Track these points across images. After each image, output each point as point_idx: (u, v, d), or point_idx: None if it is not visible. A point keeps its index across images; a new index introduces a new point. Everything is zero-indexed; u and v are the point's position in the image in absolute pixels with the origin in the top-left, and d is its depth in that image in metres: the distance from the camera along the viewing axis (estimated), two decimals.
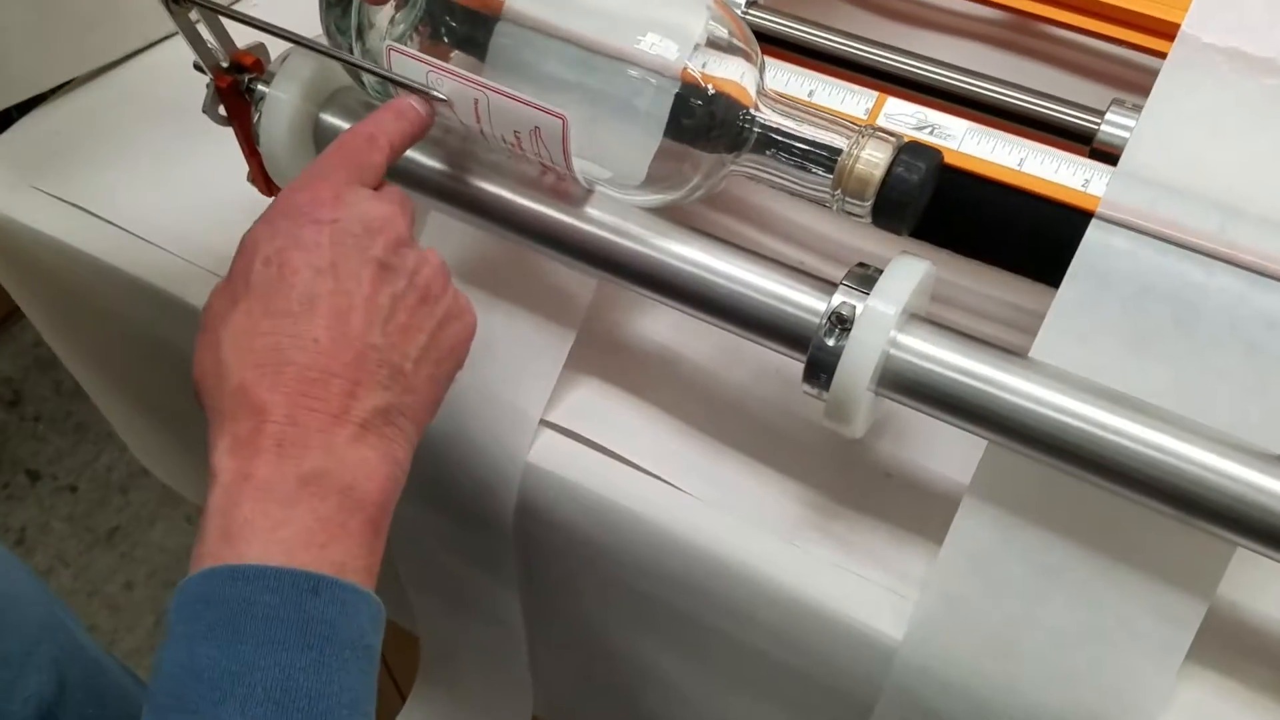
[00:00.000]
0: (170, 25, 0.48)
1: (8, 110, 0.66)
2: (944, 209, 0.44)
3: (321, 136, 0.50)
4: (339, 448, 0.34)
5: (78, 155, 0.63)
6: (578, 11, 0.45)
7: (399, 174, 0.47)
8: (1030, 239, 0.44)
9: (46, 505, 1.68)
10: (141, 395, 0.72)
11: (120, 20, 0.67)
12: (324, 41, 0.48)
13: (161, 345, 0.61)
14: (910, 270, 0.42)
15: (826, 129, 0.42)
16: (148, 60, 0.68)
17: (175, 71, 0.55)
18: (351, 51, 0.47)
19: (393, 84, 0.45)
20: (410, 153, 0.47)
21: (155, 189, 0.61)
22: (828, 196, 0.42)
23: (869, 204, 0.41)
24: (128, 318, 0.62)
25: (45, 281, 0.64)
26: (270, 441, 0.34)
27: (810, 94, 0.46)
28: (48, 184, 0.61)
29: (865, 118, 0.46)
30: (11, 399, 1.82)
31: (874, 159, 0.40)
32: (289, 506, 0.33)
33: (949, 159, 0.44)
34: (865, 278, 0.42)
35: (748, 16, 0.49)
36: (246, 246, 0.38)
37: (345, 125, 0.49)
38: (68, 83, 0.67)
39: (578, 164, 0.43)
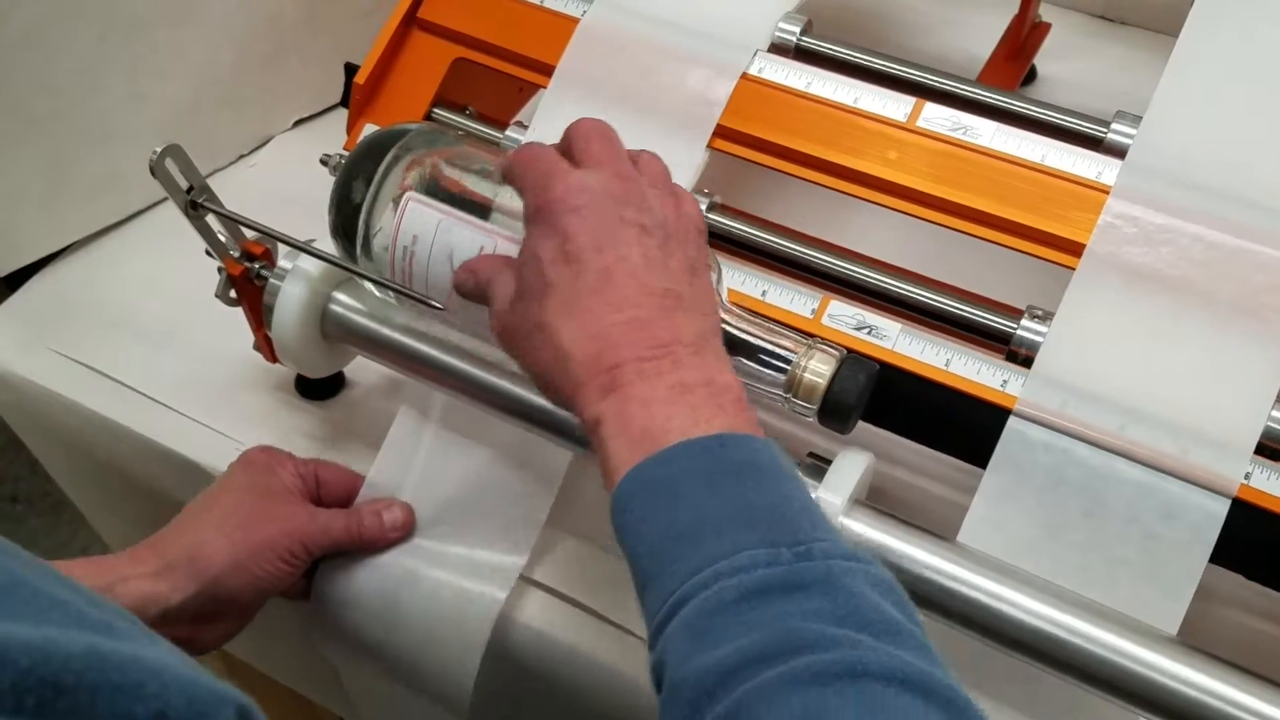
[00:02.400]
0: None
1: (18, 270, 0.70)
2: (883, 399, 0.49)
3: (329, 319, 0.55)
4: (685, 363, 0.39)
5: (87, 315, 0.68)
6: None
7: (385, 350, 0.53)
8: (958, 429, 0.50)
9: None
10: (139, 525, 0.76)
11: (124, 182, 0.72)
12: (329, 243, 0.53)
13: (164, 497, 0.65)
14: (854, 463, 0.47)
15: (779, 340, 0.47)
16: (152, 219, 0.73)
17: (178, 231, 0.58)
18: (356, 252, 0.52)
19: (391, 290, 0.50)
20: (401, 337, 0.53)
21: (162, 349, 0.66)
22: (779, 399, 0.48)
23: (815, 408, 0.46)
24: (134, 471, 0.66)
25: (57, 436, 0.68)
26: (632, 376, 0.39)
27: (764, 293, 0.52)
28: (59, 344, 0.66)
29: (811, 317, 0.51)
30: None
31: (820, 371, 0.46)
32: (669, 405, 0.38)
33: (885, 358, 0.50)
34: (815, 468, 0.47)
35: (708, 218, 0.55)
36: (529, 260, 0.42)
37: (349, 314, 0.55)
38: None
39: None
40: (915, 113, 0.53)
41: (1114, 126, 0.51)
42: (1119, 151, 0.50)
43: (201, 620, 0.51)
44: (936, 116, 0.53)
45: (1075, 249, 0.49)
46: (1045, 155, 0.51)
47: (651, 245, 0.42)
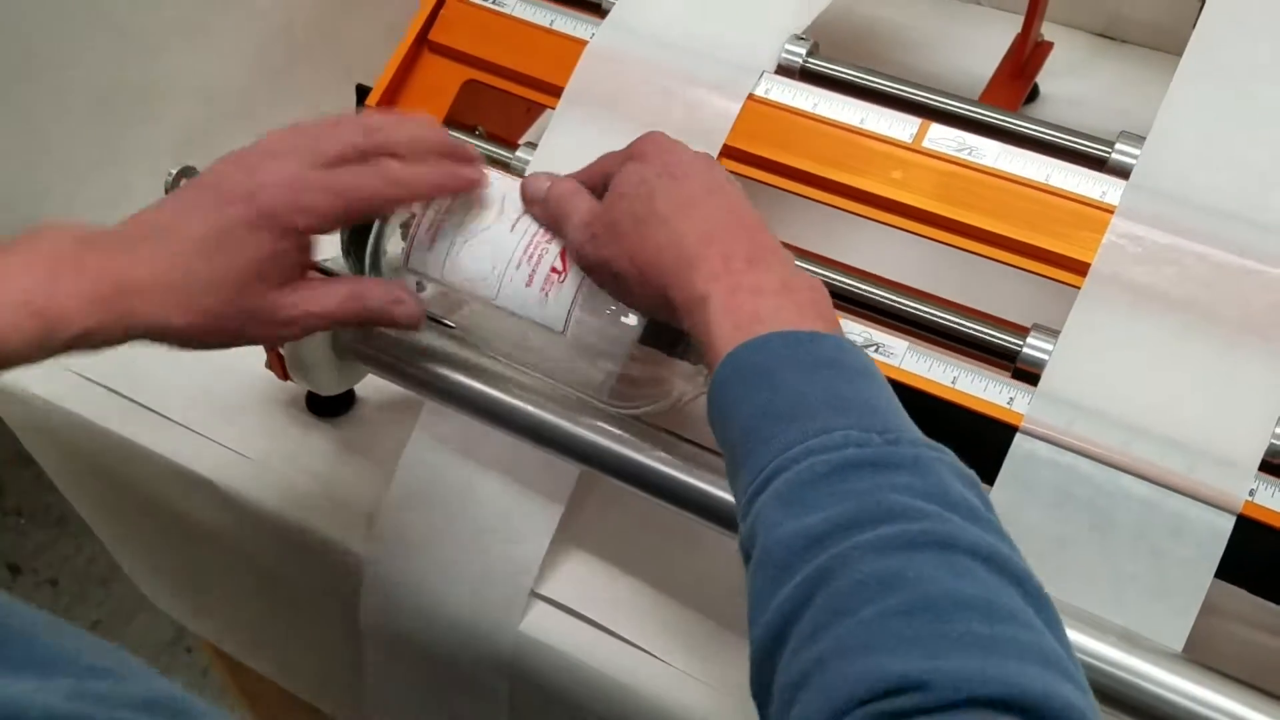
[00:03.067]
0: None
1: None
2: None
3: (340, 341, 0.56)
4: (789, 266, 0.43)
5: None
6: None
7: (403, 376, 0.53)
8: (965, 446, 0.50)
9: (28, 599, 1.69)
10: (153, 547, 0.76)
11: (139, 201, 0.72)
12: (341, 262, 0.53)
13: (174, 512, 0.66)
14: None
15: None
16: None
17: None
18: (365, 270, 0.53)
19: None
20: (415, 357, 0.54)
21: (174, 368, 0.66)
22: None
23: None
24: (147, 487, 0.67)
25: (72, 453, 0.69)
26: (743, 265, 0.42)
27: None
28: (74, 362, 0.66)
29: None
30: None
31: None
32: (778, 297, 0.41)
33: (892, 375, 0.50)
34: None
35: None
36: (629, 175, 0.46)
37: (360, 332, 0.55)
38: None
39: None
40: (921, 133, 0.54)
41: (1118, 147, 0.52)
42: (1123, 172, 0.51)
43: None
44: (941, 137, 0.54)
45: (1080, 268, 0.50)
46: (1050, 175, 0.52)
47: (732, 186, 0.46)
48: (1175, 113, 0.52)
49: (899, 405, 0.39)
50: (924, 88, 0.57)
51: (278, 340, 0.53)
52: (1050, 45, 0.78)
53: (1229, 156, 0.50)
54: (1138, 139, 0.52)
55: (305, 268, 0.48)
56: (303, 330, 0.47)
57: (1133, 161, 0.51)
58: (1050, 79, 0.80)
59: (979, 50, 0.78)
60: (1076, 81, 0.81)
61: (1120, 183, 0.51)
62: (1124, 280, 0.49)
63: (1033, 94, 0.79)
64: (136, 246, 0.44)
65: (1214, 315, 0.47)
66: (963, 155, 0.53)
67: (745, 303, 0.41)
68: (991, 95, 0.74)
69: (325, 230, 0.46)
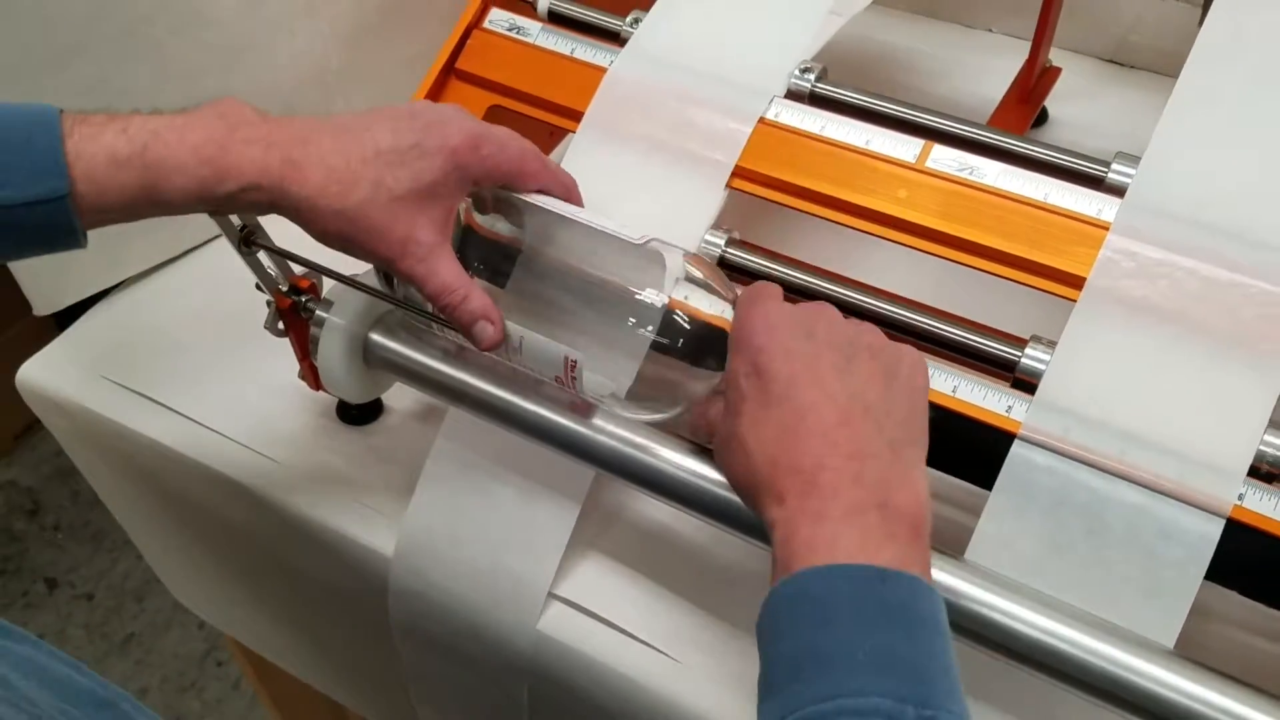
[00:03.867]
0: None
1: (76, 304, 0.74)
2: None
3: (371, 353, 0.58)
4: (865, 479, 0.40)
5: (141, 346, 0.72)
6: (582, 254, 0.54)
7: (425, 382, 0.56)
8: (965, 453, 0.52)
9: (64, 613, 1.74)
10: (185, 546, 0.79)
11: (179, 221, 0.76)
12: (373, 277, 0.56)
13: (210, 517, 0.69)
14: None
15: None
16: (201, 257, 0.77)
17: (228, 265, 0.61)
18: (395, 283, 0.55)
19: (432, 320, 0.53)
20: (439, 365, 0.56)
21: (211, 378, 0.69)
22: None
23: None
24: (183, 493, 0.70)
25: (112, 460, 0.72)
26: (805, 487, 0.40)
27: None
28: (114, 372, 0.70)
29: None
30: (31, 508, 1.88)
31: None
32: (839, 524, 0.39)
33: None
34: None
35: (727, 252, 0.58)
36: (730, 379, 0.45)
37: (391, 343, 0.58)
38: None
39: (587, 380, 0.52)
40: (924, 154, 0.56)
41: (1114, 166, 0.54)
42: (1119, 190, 0.53)
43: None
44: (944, 157, 0.56)
45: (1077, 282, 0.52)
46: (1048, 194, 0.54)
47: (837, 356, 0.43)
48: (1169, 134, 0.54)
49: (954, 666, 0.38)
50: (926, 110, 0.59)
51: (392, 268, 0.50)
52: (1058, 70, 0.80)
53: (1219, 175, 0.52)
54: (1133, 159, 0.54)
55: (447, 234, 0.50)
56: (411, 276, 0.49)
57: (1128, 180, 0.53)
58: (1059, 102, 0.82)
59: (989, 75, 0.81)
60: (1085, 105, 0.83)
61: (1116, 201, 0.53)
62: (1118, 294, 0.51)
63: (1042, 117, 0.82)
64: (317, 133, 0.47)
65: (1204, 327, 0.49)
66: (964, 175, 0.55)
67: (802, 530, 0.39)
68: (1000, 118, 0.76)
69: (484, 200, 0.52)
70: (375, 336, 0.58)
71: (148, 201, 0.45)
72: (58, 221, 0.44)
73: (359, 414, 0.66)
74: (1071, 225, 0.53)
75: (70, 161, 0.44)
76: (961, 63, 0.86)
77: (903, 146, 0.57)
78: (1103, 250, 0.51)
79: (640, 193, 0.59)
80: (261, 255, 0.58)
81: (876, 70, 0.87)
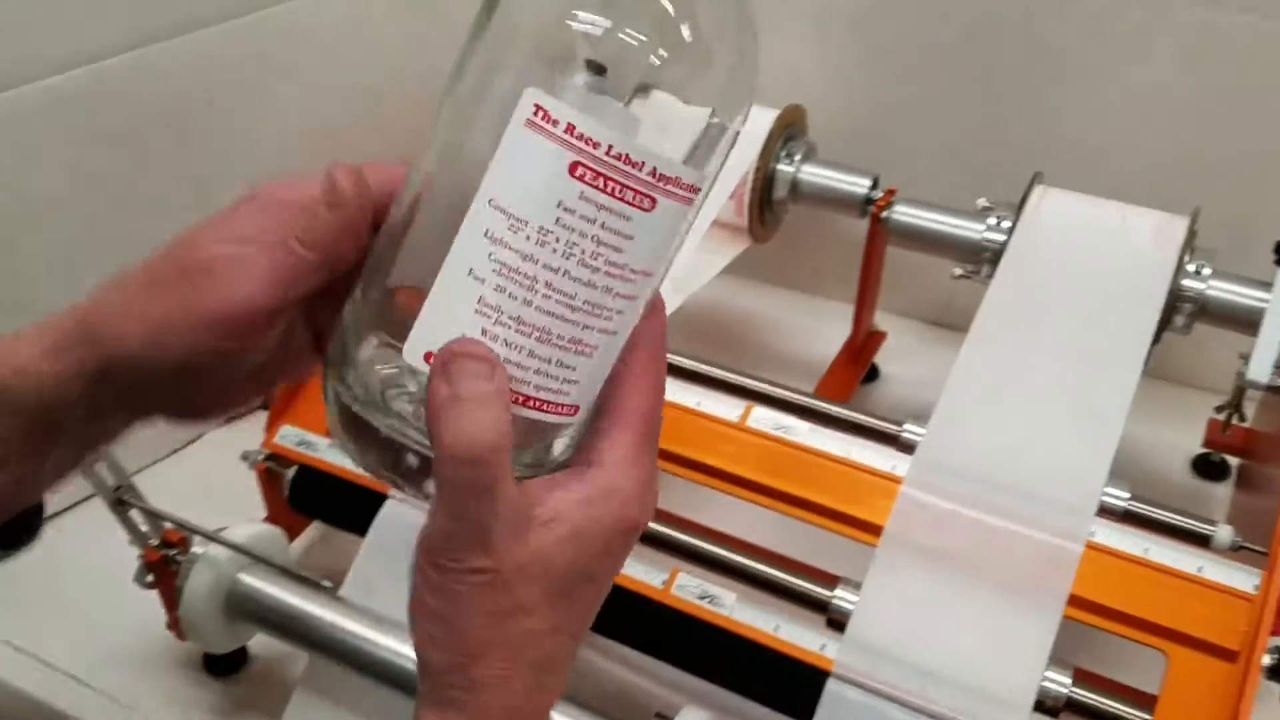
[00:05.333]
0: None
1: None
2: (724, 660, 0.56)
3: (232, 600, 0.61)
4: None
5: (13, 598, 0.73)
6: None
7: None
8: (786, 689, 0.56)
9: None
10: None
11: None
12: None
13: None
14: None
15: None
16: (80, 513, 0.79)
17: (98, 523, 0.64)
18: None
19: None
20: (299, 614, 0.59)
21: (84, 630, 0.71)
22: None
23: None
24: None
25: None
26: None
27: None
28: None
29: (662, 588, 0.59)
30: None
31: None
32: None
33: (723, 624, 0.57)
34: None
35: None
36: None
37: (253, 594, 0.61)
38: None
39: None
40: (746, 414, 0.63)
41: (906, 427, 0.61)
42: (911, 448, 0.61)
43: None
44: (763, 417, 0.63)
45: (877, 530, 0.58)
46: (850, 451, 0.61)
47: None
48: (952, 398, 0.62)
49: None
50: (751, 375, 0.67)
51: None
52: (883, 334, 0.90)
53: (995, 434, 0.60)
54: (922, 420, 0.61)
55: None
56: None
57: (918, 439, 0.61)
58: (891, 361, 0.92)
59: (824, 338, 0.90)
60: (914, 363, 0.92)
61: (909, 458, 0.60)
62: (912, 542, 0.57)
63: (874, 374, 0.91)
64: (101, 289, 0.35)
65: (987, 572, 0.55)
66: (779, 434, 0.62)
67: None
68: (832, 376, 0.85)
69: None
70: (237, 589, 0.61)
71: None
72: None
73: (223, 664, 0.68)
74: (871, 479, 0.60)
75: None
76: (801, 326, 0.96)
77: (728, 407, 0.64)
78: (897, 502, 0.58)
79: None
80: (134, 513, 0.61)
81: (725, 332, 0.96)
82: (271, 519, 0.71)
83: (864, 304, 0.84)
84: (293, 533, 0.74)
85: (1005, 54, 0.85)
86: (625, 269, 0.29)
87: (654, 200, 0.29)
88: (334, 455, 0.66)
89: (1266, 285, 0.67)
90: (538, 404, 0.30)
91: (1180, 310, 0.67)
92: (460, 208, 0.29)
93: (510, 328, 0.29)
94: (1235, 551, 0.57)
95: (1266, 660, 0.52)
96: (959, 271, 0.75)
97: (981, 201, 0.73)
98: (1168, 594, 0.54)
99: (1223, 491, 0.83)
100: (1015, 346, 0.64)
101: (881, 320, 0.93)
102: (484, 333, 0.29)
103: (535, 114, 0.28)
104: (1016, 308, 0.66)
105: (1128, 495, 0.58)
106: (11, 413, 0.34)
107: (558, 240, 0.28)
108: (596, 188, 0.28)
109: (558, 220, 0.28)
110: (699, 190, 0.30)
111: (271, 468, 0.68)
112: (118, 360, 0.34)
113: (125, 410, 0.36)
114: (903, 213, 0.77)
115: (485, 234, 0.28)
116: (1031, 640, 0.54)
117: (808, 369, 0.87)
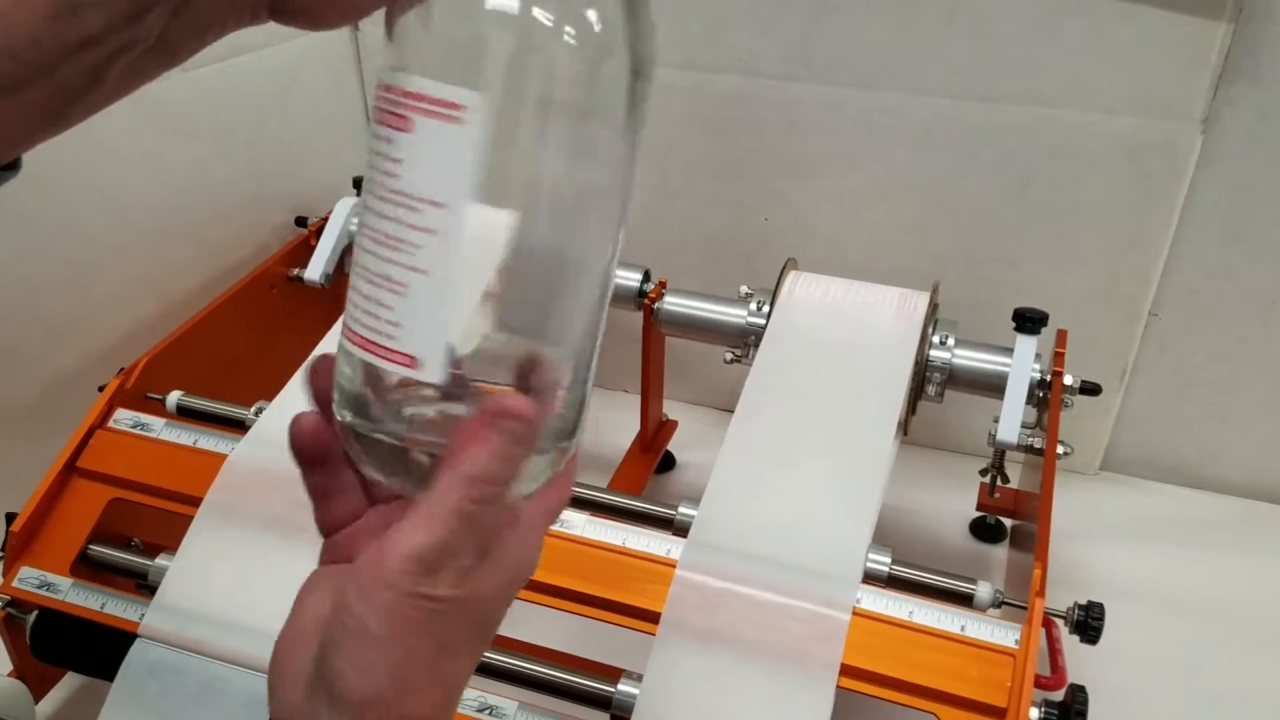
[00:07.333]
0: None
1: None
2: None
3: None
4: None
5: None
6: None
7: None
8: None
9: None
10: None
11: None
12: None
13: None
14: None
15: None
16: None
17: None
18: None
19: None
20: None
21: None
22: None
23: None
24: None
25: None
26: None
27: None
28: None
29: None
30: None
31: None
32: None
33: None
34: None
35: None
36: None
37: None
38: None
39: None
40: None
41: (679, 509, 0.62)
42: (685, 530, 0.61)
43: None
44: None
45: (655, 618, 0.57)
46: (626, 539, 0.60)
47: None
48: (720, 479, 0.62)
49: None
50: None
51: None
52: (675, 423, 0.91)
53: (760, 512, 0.61)
54: (694, 502, 0.62)
55: None
56: None
57: (690, 521, 0.61)
58: (685, 448, 0.93)
59: (617, 429, 0.91)
60: (707, 450, 0.93)
61: (682, 541, 0.60)
62: (688, 625, 0.57)
63: (669, 463, 0.91)
64: None
65: (762, 648, 0.55)
66: (555, 527, 0.61)
67: None
68: (628, 464, 0.85)
69: None
70: None
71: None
72: None
73: None
74: (647, 566, 0.59)
75: None
76: (603, 421, 0.96)
77: None
78: (671, 587, 0.58)
79: (263, 565, 0.61)
80: None
81: None
82: (18, 671, 0.65)
83: (649, 394, 0.85)
84: (45, 685, 0.68)
85: (760, 153, 0.89)
86: (408, 196, 0.30)
87: (407, 119, 0.30)
88: (79, 596, 0.61)
89: (1008, 350, 0.71)
90: (366, 344, 0.31)
91: (931, 380, 0.70)
92: None
93: (357, 274, 0.31)
94: (999, 608, 0.59)
95: (1034, 715, 0.53)
96: (730, 356, 0.76)
97: (744, 289, 0.76)
98: (934, 655, 0.55)
99: (1000, 553, 0.87)
100: (775, 425, 0.65)
101: (673, 409, 0.95)
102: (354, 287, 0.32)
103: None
104: (775, 387, 0.68)
105: (889, 560, 0.59)
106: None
107: (369, 181, 0.31)
108: (375, 121, 0.31)
109: (370, 164, 0.31)
110: (461, 107, 0.30)
111: (12, 614, 0.62)
112: None
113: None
114: (673, 303, 0.78)
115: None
116: (809, 713, 0.54)
117: (598, 463, 0.87)
